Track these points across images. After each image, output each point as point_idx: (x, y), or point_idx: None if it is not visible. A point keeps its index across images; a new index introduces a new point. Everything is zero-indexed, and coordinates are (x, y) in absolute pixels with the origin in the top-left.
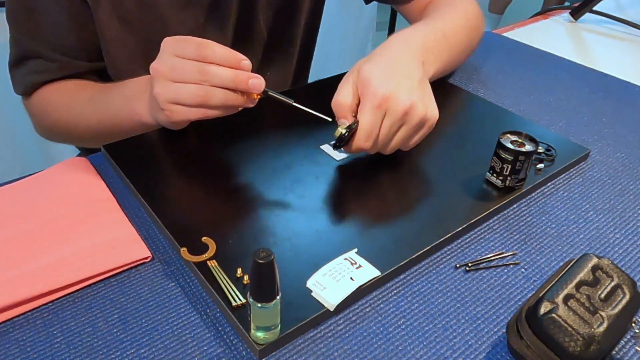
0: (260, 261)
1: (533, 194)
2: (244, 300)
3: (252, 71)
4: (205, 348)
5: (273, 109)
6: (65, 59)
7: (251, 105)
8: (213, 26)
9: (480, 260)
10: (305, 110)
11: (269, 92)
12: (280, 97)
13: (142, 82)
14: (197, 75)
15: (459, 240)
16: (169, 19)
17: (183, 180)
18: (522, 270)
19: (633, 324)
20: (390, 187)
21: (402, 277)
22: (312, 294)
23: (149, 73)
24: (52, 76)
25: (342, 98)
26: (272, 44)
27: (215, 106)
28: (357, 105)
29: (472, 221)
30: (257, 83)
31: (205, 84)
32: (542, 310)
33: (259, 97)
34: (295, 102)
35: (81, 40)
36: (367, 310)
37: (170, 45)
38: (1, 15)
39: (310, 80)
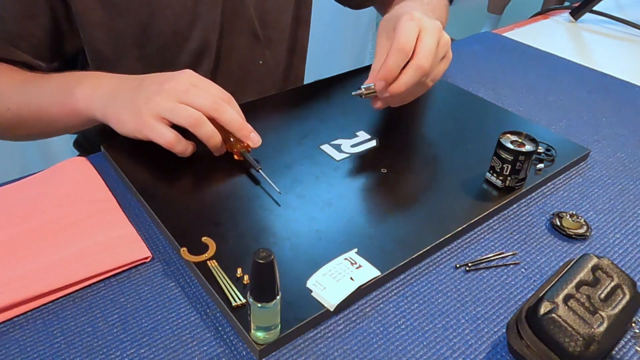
0: (260, 261)
1: (533, 194)
2: (244, 300)
3: (243, 60)
4: (205, 348)
5: (272, 110)
6: (2, 40)
7: (218, 154)
8: (202, 10)
9: (480, 260)
10: (267, 180)
11: (245, 155)
12: (251, 161)
13: (95, 75)
14: (210, 104)
15: (459, 240)
16: (157, 2)
17: (183, 180)
18: (522, 270)
19: (633, 324)
20: (390, 187)
21: (402, 277)
22: (312, 294)
23: (138, 59)
24: None
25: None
26: (261, 32)
27: (201, 135)
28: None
29: (472, 221)
30: (257, 138)
31: (213, 112)
32: (542, 310)
33: (239, 159)
34: (260, 169)
35: (25, 30)
36: (367, 310)
37: (194, 78)
38: None
39: (308, 79)
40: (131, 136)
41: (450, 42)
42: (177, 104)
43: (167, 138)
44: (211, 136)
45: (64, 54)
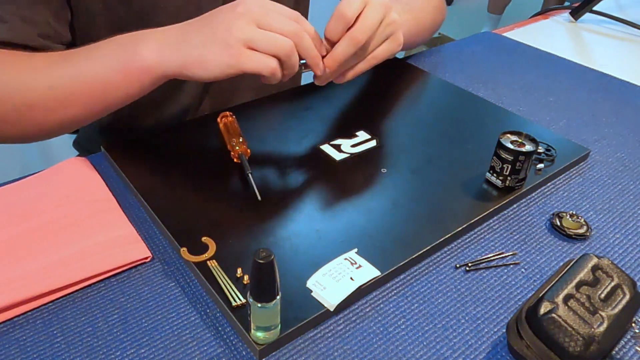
0: (260, 261)
1: (533, 194)
2: (244, 300)
3: None
4: (205, 348)
5: (271, 110)
6: (19, 22)
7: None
8: (204, 4)
9: (480, 260)
10: (252, 185)
11: (241, 158)
12: (244, 164)
13: (147, 31)
14: (291, 29)
15: (459, 240)
16: None
17: (183, 180)
18: (522, 270)
19: (633, 324)
20: (390, 187)
21: (402, 277)
22: (312, 294)
23: None
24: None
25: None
26: None
27: (290, 65)
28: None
29: (472, 221)
30: (325, 76)
31: (294, 38)
32: (542, 310)
33: (238, 162)
34: (250, 173)
35: (40, 14)
36: (367, 310)
37: (263, 0)
38: None
39: (307, 78)
40: (222, 75)
41: (399, 23)
42: (265, 32)
43: (272, 65)
44: (295, 66)
45: (70, 45)
